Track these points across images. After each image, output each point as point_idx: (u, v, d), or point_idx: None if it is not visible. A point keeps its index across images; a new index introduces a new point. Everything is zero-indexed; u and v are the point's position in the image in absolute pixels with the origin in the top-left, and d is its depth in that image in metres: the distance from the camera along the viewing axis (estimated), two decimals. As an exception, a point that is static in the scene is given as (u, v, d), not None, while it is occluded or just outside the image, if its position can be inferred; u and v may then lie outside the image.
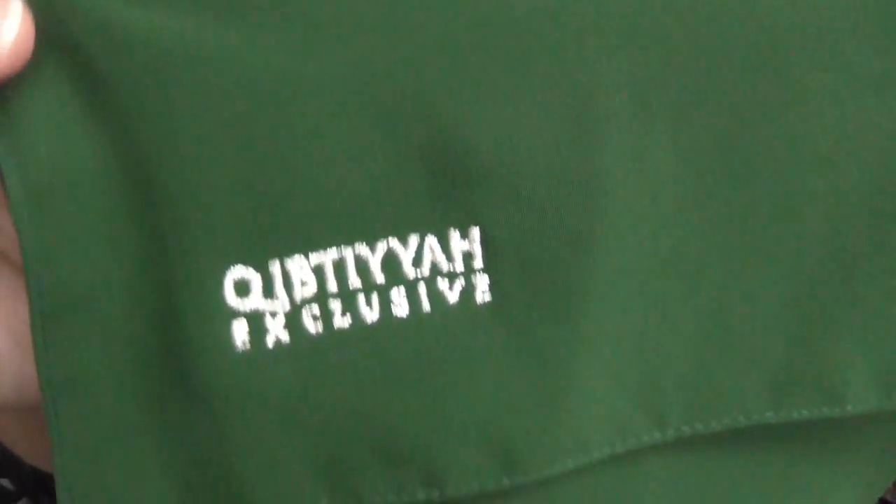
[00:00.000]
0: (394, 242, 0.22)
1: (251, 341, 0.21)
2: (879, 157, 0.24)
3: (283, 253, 0.21)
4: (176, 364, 0.21)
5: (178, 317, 0.21)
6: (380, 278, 0.22)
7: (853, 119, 0.24)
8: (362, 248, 0.22)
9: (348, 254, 0.22)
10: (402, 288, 0.22)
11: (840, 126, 0.24)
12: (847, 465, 0.30)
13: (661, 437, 0.25)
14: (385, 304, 0.22)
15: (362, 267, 0.22)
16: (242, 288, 0.21)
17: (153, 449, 0.22)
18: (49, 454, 0.22)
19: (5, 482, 0.42)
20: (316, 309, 0.22)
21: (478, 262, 0.22)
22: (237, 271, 0.21)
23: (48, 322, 0.20)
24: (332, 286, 0.22)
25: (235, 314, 0.21)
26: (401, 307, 0.22)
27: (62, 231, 0.20)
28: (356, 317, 0.22)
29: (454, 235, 0.22)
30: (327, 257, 0.22)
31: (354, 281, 0.22)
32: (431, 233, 0.22)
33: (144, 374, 0.21)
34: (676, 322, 0.24)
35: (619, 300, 0.23)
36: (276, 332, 0.21)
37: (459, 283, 0.22)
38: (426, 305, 0.22)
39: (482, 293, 0.22)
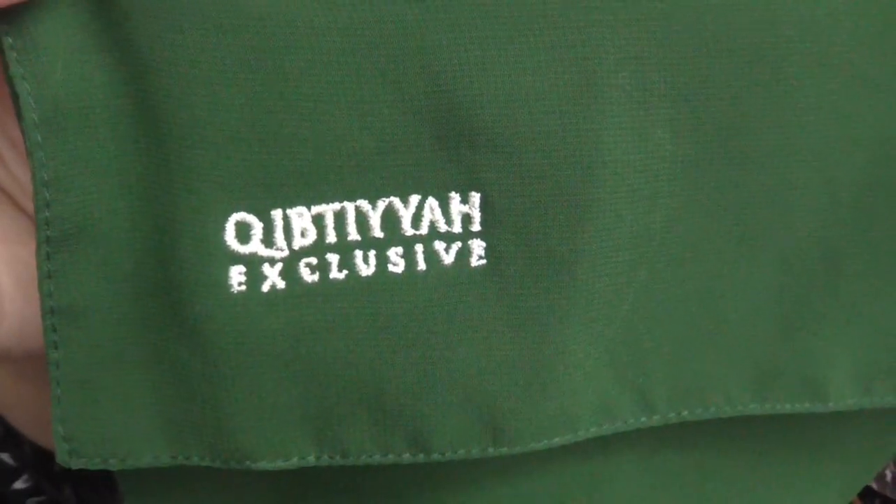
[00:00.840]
0: (395, 201, 0.22)
1: (247, 285, 0.21)
2: (870, 158, 0.24)
3: (286, 203, 0.21)
4: (172, 301, 0.21)
5: (178, 254, 0.21)
6: (378, 234, 0.22)
7: (848, 118, 0.24)
8: (364, 204, 0.22)
9: (349, 208, 0.22)
10: (399, 245, 0.22)
11: (835, 124, 0.24)
12: (825, 463, 0.30)
13: (647, 422, 0.25)
14: (381, 259, 0.22)
15: (362, 221, 0.22)
16: (243, 233, 0.21)
17: (146, 384, 0.22)
18: (49, 428, 0.22)
19: (6, 456, 0.42)
20: (313, 259, 0.22)
21: (476, 226, 0.22)
22: (239, 216, 0.21)
23: (53, 250, 0.21)
24: (331, 238, 0.22)
25: (234, 258, 0.21)
26: (396, 264, 0.22)
27: (72, 158, 0.20)
28: (352, 269, 0.22)
29: (455, 199, 0.22)
30: (329, 209, 0.22)
31: (353, 234, 0.22)
32: (433, 195, 0.22)
33: (142, 308, 0.22)
34: (667, 306, 0.24)
35: (612, 276, 0.23)
36: (273, 278, 0.22)
37: (456, 245, 0.23)
38: (421, 264, 0.22)
39: (478, 257, 0.23)
